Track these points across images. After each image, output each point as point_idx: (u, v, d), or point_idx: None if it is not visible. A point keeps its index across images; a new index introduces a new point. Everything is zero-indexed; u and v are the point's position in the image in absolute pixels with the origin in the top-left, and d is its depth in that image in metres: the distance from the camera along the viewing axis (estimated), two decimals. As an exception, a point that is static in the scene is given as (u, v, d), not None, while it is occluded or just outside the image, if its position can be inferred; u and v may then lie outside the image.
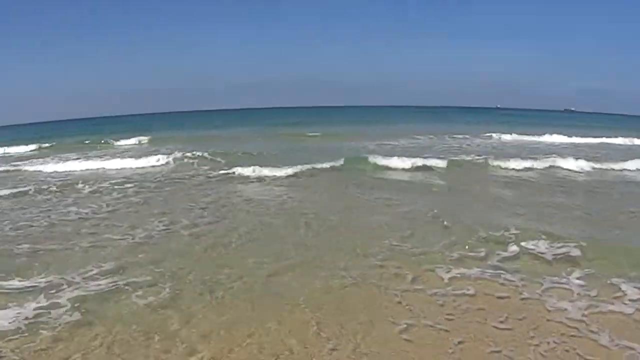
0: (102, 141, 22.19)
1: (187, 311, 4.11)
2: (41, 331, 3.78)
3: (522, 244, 5.58)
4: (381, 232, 6.35)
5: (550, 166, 12.18)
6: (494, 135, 21.94)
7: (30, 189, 10.38)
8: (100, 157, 16.65)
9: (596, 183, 10.47)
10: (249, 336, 3.66)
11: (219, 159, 13.95)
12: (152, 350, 3.48)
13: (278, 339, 3.62)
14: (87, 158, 16.36)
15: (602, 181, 10.74)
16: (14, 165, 15.16)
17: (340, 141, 20.01)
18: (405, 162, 11.88)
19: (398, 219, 7.06)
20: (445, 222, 6.60)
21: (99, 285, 4.70)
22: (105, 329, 3.81)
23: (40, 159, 16.95)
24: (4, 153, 20.87)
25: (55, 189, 10.41)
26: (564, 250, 5.36)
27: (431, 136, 21.60)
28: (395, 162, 11.94)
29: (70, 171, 13.64)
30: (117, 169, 13.57)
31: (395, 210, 7.67)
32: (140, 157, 15.48)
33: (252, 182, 10.55)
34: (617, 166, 12.34)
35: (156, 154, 15.62)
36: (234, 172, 11.36)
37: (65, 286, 4.68)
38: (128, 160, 14.80)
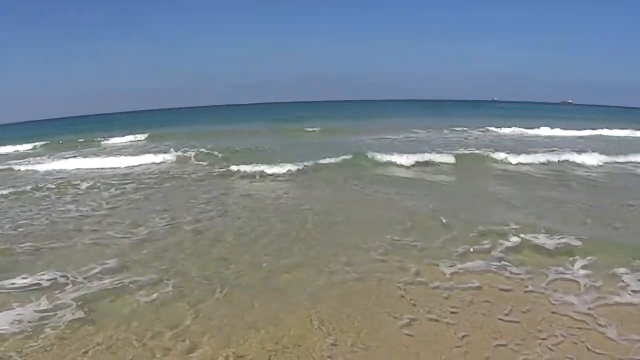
0: (100, 139, 21.94)
1: (190, 309, 4.10)
2: (45, 331, 3.75)
3: (524, 236, 5.58)
4: (382, 227, 6.33)
5: (550, 161, 12.05)
6: (492, 128, 21.88)
7: (29, 189, 10.29)
8: (97, 155, 16.57)
9: (603, 176, 10.34)
10: (251, 332, 3.67)
11: (218, 156, 13.85)
12: (156, 349, 3.47)
13: (280, 335, 3.63)
14: (85, 156, 16.22)
15: (610, 174, 10.62)
16: (10, 165, 14.96)
17: (340, 136, 19.99)
18: (406, 158, 11.74)
19: (400, 214, 7.02)
20: (447, 217, 6.57)
21: (103, 283, 4.69)
22: (109, 328, 3.79)
23: (37, 158, 16.79)
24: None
25: (53, 187, 10.33)
26: (566, 241, 5.37)
27: (430, 130, 21.55)
28: (396, 158, 11.80)
29: (67, 170, 13.49)
30: (115, 167, 13.39)
31: (396, 206, 7.65)
32: (138, 154, 15.38)
33: (252, 179, 10.48)
34: (623, 159, 12.21)
35: (155, 151, 15.53)
36: (233, 169, 11.25)
37: (68, 285, 4.66)
38: (127, 158, 14.68)
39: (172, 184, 10.28)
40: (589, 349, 3.27)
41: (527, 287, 4.34)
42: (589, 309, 3.87)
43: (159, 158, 14.22)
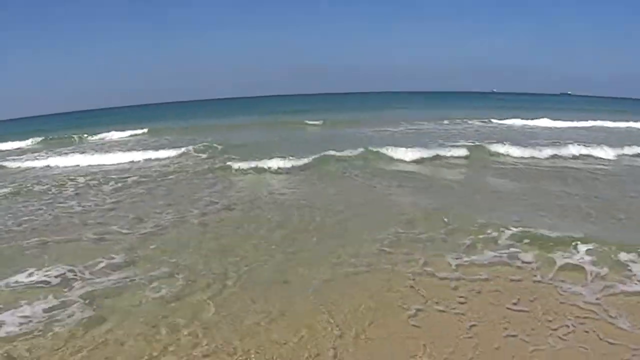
0: (99, 134, 21.78)
1: (198, 303, 4.11)
2: (55, 329, 3.73)
3: (531, 229, 5.57)
4: (386, 220, 6.31)
5: (553, 155, 11.81)
6: (493, 120, 21.85)
7: (29, 184, 10.26)
8: (97, 150, 16.44)
9: (621, 170, 10.14)
10: (257, 325, 3.69)
11: (219, 149, 13.78)
12: (167, 344, 3.47)
13: (286, 327, 3.66)
14: (84, 151, 16.13)
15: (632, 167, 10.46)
16: (9, 161, 14.83)
17: (341, 129, 19.93)
18: (410, 152, 11.57)
19: (403, 208, 6.98)
20: (453, 211, 6.54)
21: (111, 278, 4.68)
22: (119, 324, 3.78)
23: (34, 154, 16.63)
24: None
25: (53, 183, 10.30)
26: (570, 233, 5.39)
27: (429, 122, 21.51)
28: (400, 152, 11.60)
29: (66, 165, 13.40)
30: (115, 163, 13.29)
31: (399, 200, 7.62)
32: (138, 149, 15.30)
33: (255, 173, 10.38)
34: (630, 151, 12.05)
35: (155, 145, 15.47)
36: (235, 163, 11.14)
37: (76, 280, 4.65)
38: (127, 153, 14.57)
39: (174, 178, 10.23)
40: (600, 338, 3.29)
41: (534, 276, 4.36)
42: (597, 298, 3.90)
43: (159, 152, 14.11)
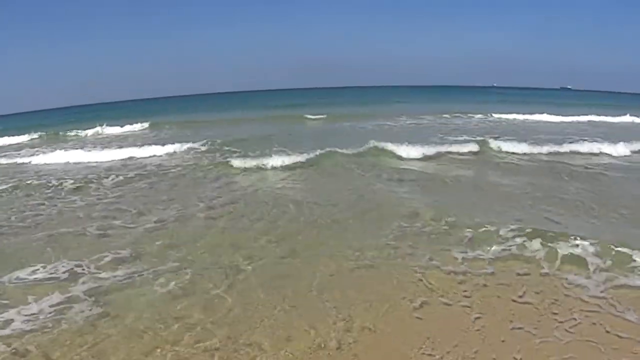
0: (99, 128, 21.60)
1: (206, 298, 4.12)
2: (62, 325, 3.72)
3: (536, 226, 5.58)
4: (390, 216, 6.30)
5: (556, 151, 11.64)
6: (494, 115, 21.78)
7: (29, 180, 10.19)
8: (96, 145, 16.35)
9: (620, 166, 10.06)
10: (263, 319, 3.71)
11: (220, 144, 13.65)
12: (175, 340, 3.47)
13: (291, 320, 3.69)
14: (83, 146, 16.07)
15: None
16: (8, 156, 14.67)
17: (342, 124, 19.85)
18: (411, 148, 11.40)
19: (407, 204, 6.91)
20: (459, 208, 6.53)
21: (118, 274, 4.68)
22: (127, 320, 3.78)
23: (34, 149, 16.50)
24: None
25: (54, 178, 10.22)
26: (574, 229, 5.40)
27: (430, 116, 21.51)
28: (403, 148, 11.42)
29: (66, 160, 13.21)
30: (115, 158, 13.07)
31: (402, 196, 7.58)
32: (139, 144, 15.19)
33: (257, 168, 10.25)
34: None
35: (155, 139, 15.37)
36: (236, 158, 11.08)
37: (83, 275, 4.65)
38: (127, 148, 14.44)
39: (175, 173, 10.18)
40: (607, 332, 3.32)
41: (540, 270, 4.38)
42: (601, 291, 3.93)
43: (160, 147, 13.86)
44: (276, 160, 10.47)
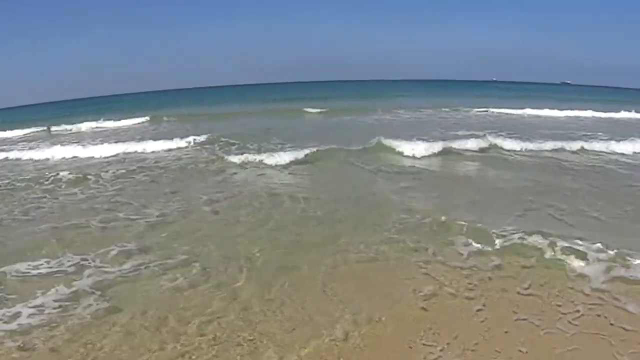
0: (98, 122, 21.41)
1: (213, 291, 4.14)
2: (70, 319, 3.72)
3: (535, 222, 5.60)
4: (391, 211, 6.30)
5: (560, 148, 11.29)
6: (492, 110, 21.77)
7: (28, 174, 10.17)
8: (95, 139, 16.21)
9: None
10: (269, 312, 3.74)
11: (220, 138, 13.50)
12: (182, 334, 3.49)
13: (297, 310, 3.74)
14: (82, 140, 15.97)
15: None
16: (6, 151, 14.53)
17: (341, 118, 19.83)
18: (411, 144, 11.21)
19: (409, 200, 6.93)
20: (463, 206, 6.50)
21: (125, 267, 4.68)
22: (135, 314, 3.78)
23: (32, 142, 16.43)
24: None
25: (53, 172, 10.14)
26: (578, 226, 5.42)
27: (429, 110, 21.51)
28: (403, 144, 11.18)
29: (64, 157, 12.91)
30: (114, 152, 12.88)
31: (404, 192, 7.55)
32: (138, 137, 15.15)
33: (257, 163, 10.14)
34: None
35: (155, 133, 15.27)
36: (236, 154, 10.91)
37: (90, 268, 4.66)
38: (127, 142, 14.26)
39: (176, 167, 10.14)
40: (611, 324, 3.36)
41: (543, 261, 4.42)
42: (603, 283, 3.97)
43: (159, 141, 13.73)
44: (277, 156, 10.35)
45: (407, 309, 3.73)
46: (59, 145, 14.33)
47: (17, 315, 3.80)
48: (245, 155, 10.62)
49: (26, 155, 13.53)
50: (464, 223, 5.48)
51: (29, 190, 8.62)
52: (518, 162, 10.14)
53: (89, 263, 4.78)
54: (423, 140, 11.66)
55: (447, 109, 21.83)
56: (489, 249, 4.79)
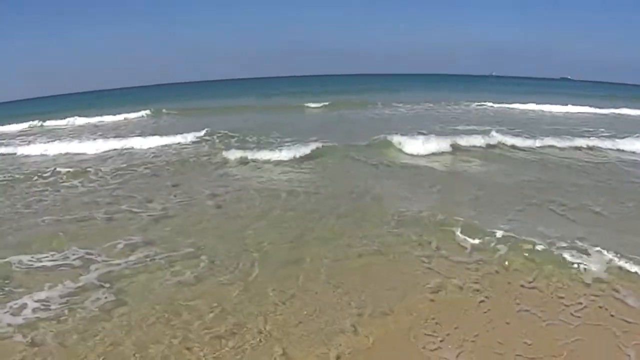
0: (95, 117, 21.24)
1: (221, 284, 4.18)
2: (78, 312, 3.74)
3: (538, 218, 5.62)
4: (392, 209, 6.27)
5: (564, 146, 11.01)
6: (492, 104, 21.75)
7: (26, 169, 10.14)
8: (93, 133, 16.04)
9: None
10: (277, 305, 3.79)
11: (222, 134, 13.34)
12: (190, 328, 3.52)
13: (305, 302, 3.79)
14: (80, 134, 15.83)
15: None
16: (4, 146, 14.46)
17: (341, 112, 19.77)
18: (412, 140, 10.95)
19: (410, 198, 6.86)
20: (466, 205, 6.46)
21: (130, 260, 4.71)
22: (142, 307, 3.80)
23: (29, 137, 16.30)
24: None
25: (52, 166, 10.08)
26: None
27: (428, 105, 21.44)
28: (404, 140, 10.92)
29: (62, 152, 12.61)
30: (113, 147, 12.60)
31: (405, 189, 7.50)
32: (138, 133, 15.03)
33: (258, 159, 9.99)
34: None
35: (155, 127, 15.17)
36: (237, 150, 10.69)
37: (96, 262, 4.68)
38: (126, 137, 14.15)
39: (175, 161, 10.12)
40: (612, 316, 3.41)
41: (546, 256, 4.47)
42: (604, 273, 4.03)
43: (159, 136, 13.51)
44: (278, 151, 10.27)
45: (415, 302, 3.77)
46: (58, 140, 14.21)
47: (23, 308, 3.82)
48: (246, 150, 10.57)
49: (25, 150, 13.40)
50: (464, 219, 5.52)
51: (29, 183, 8.62)
52: (520, 159, 10.08)
53: (95, 257, 4.80)
54: (423, 134, 11.59)
55: (446, 103, 21.81)
56: (493, 243, 4.82)
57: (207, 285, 4.17)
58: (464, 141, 11.32)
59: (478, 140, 11.43)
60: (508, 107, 20.98)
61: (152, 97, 35.20)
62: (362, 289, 3.98)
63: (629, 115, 19.56)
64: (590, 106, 20.71)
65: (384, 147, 10.93)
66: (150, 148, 12.29)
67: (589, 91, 37.04)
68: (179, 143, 12.76)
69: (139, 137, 13.70)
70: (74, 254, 4.86)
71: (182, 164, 9.74)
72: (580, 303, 3.60)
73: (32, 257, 4.80)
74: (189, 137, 13.23)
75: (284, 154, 10.14)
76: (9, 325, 3.59)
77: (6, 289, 4.17)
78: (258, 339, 3.34)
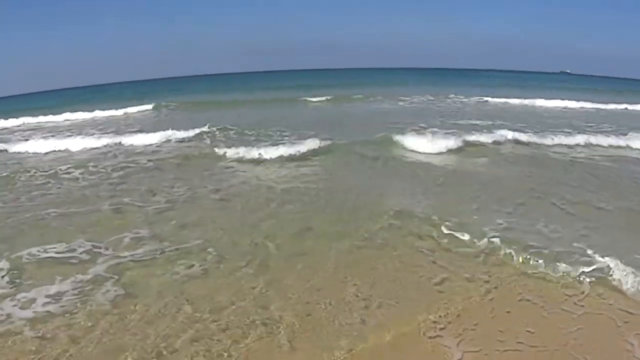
0: (94, 111, 21.09)
1: (228, 277, 4.22)
2: (88, 306, 3.76)
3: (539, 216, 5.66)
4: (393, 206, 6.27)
5: (567, 144, 10.84)
6: (490, 98, 21.69)
7: (26, 164, 10.12)
8: (92, 129, 15.83)
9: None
10: (285, 298, 3.83)
11: (222, 128, 13.27)
12: (199, 320, 3.55)
13: (311, 295, 3.85)
14: (80, 130, 15.70)
15: None
16: (5, 142, 14.28)
17: (341, 107, 19.76)
18: (412, 137, 10.85)
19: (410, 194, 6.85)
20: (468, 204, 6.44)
21: (138, 253, 4.76)
22: (152, 301, 3.82)
23: (27, 132, 16.16)
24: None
25: (51, 160, 10.13)
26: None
27: (428, 98, 21.46)
28: (405, 137, 10.87)
29: (63, 144, 12.41)
30: (112, 143, 12.30)
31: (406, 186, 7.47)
32: (138, 128, 14.93)
33: (260, 155, 9.77)
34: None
35: (155, 121, 15.06)
36: (239, 146, 10.52)
37: (104, 255, 4.72)
38: (127, 133, 14.03)
39: (179, 154, 10.13)
40: (611, 305, 3.50)
41: (549, 252, 4.51)
42: (605, 270, 4.07)
43: (159, 131, 13.17)
44: (281, 147, 10.21)
45: (423, 293, 3.84)
46: (58, 135, 14.13)
47: (32, 302, 3.84)
48: (248, 144, 10.54)
49: (21, 147, 12.94)
50: (467, 214, 5.61)
51: (32, 177, 8.62)
52: (521, 156, 10.02)
53: (103, 250, 4.84)
54: (423, 127, 11.67)
55: (445, 97, 21.80)
56: (496, 237, 4.87)
57: (216, 278, 4.22)
58: (470, 138, 11.12)
59: (482, 136, 11.37)
60: (508, 102, 20.85)
61: (152, 92, 35.01)
62: (370, 281, 4.03)
63: (627, 110, 19.56)
64: (591, 102, 20.62)
65: (388, 145, 10.75)
66: (151, 142, 12.22)
67: (588, 85, 37.05)
68: (180, 137, 12.70)
69: (140, 132, 13.62)
70: (80, 246, 4.91)
71: (184, 158, 9.74)
72: (583, 292, 3.67)
73: (40, 249, 4.83)
74: (191, 132, 13.16)
75: (287, 149, 10.09)
76: (20, 318, 3.63)
77: (17, 281, 4.22)
78: (265, 332, 3.38)
